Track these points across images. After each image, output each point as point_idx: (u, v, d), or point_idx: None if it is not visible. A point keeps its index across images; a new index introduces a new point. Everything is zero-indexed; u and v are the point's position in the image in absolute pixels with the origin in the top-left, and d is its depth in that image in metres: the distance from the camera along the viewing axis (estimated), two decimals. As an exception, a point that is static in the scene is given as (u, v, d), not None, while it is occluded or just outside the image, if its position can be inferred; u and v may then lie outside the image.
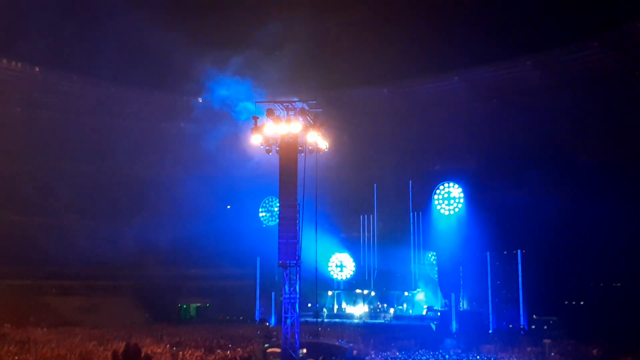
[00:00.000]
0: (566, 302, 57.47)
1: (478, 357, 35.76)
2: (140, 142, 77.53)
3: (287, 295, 32.82)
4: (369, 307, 68.84)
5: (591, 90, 63.41)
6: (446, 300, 61.98)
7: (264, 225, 77.96)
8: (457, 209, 66.44)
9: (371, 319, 65.19)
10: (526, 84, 67.82)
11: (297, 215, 32.69)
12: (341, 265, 71.72)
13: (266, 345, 38.73)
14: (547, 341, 41.02)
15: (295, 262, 32.35)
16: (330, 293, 70.83)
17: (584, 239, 55.92)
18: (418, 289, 69.39)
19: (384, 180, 72.38)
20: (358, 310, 68.19)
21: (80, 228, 72.63)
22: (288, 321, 32.43)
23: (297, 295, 32.82)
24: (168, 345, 39.83)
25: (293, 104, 33.54)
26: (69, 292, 66.67)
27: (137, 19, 66.42)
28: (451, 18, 71.47)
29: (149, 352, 33.69)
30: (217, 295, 70.32)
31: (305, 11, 66.03)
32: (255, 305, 68.16)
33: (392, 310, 67.48)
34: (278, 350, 33.75)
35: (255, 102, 36.15)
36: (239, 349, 38.69)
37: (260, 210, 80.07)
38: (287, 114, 33.26)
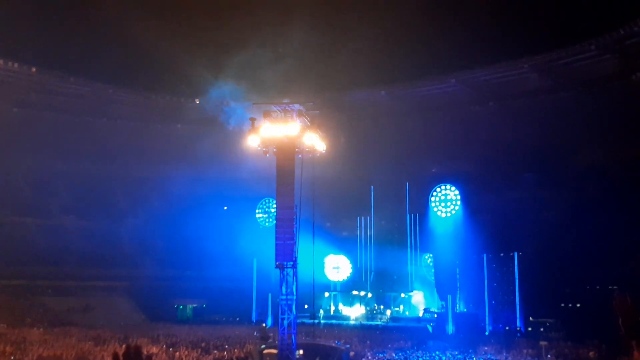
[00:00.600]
0: (562, 305, 57.58)
1: (474, 357, 35.78)
2: (137, 143, 77.43)
3: (284, 297, 32.81)
4: (365, 309, 68.83)
5: (588, 93, 63.52)
6: (443, 302, 62.05)
7: (261, 227, 77.93)
8: (454, 211, 66.52)
9: (368, 320, 65.19)
10: (524, 86, 67.91)
11: (294, 217, 32.70)
12: (338, 266, 71.71)
13: (263, 346, 38.71)
14: (543, 343, 41.07)
15: (292, 263, 32.36)
16: (327, 294, 70.83)
17: (581, 241, 56.04)
18: (414, 291, 69.42)
19: (381, 182, 72.41)
20: (355, 312, 68.19)
21: (76, 228, 72.56)
22: (285, 322, 32.42)
23: (294, 297, 32.81)
24: (164, 346, 39.81)
25: (290, 105, 33.56)
26: (65, 292, 66.55)
27: (134, 20, 66.40)
28: (449, 20, 71.49)
29: (146, 351, 33.70)
30: (214, 296, 70.30)
31: (302, 13, 66.06)
32: (251, 306, 68.19)
33: (388, 312, 67.49)
34: (275, 351, 33.72)
35: (252, 104, 36.22)
36: (235, 350, 38.68)
37: (257, 211, 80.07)
38: (284, 116, 33.27)
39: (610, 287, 55.37)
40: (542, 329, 53.69)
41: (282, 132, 32.93)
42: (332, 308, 70.21)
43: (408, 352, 39.78)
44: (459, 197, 66.60)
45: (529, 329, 56.35)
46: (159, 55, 68.61)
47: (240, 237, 72.24)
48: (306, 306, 53.52)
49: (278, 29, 68.79)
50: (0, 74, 67.53)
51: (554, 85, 66.76)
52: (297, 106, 33.55)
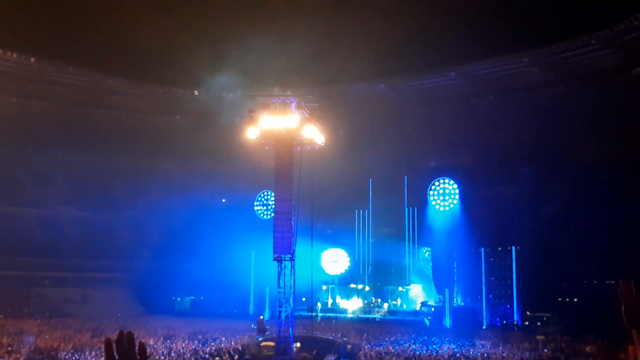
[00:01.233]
0: (560, 299, 57.66)
1: (471, 351, 35.83)
2: (135, 135, 77.31)
3: (282, 289, 32.85)
4: (363, 302, 68.85)
5: (588, 87, 63.47)
6: (440, 296, 62.12)
7: (259, 219, 77.84)
8: (452, 205, 66.51)
9: (365, 313, 65.20)
10: (523, 80, 67.84)
11: (292, 210, 32.68)
12: (336, 259, 71.71)
13: (260, 338, 38.75)
14: (540, 337, 41.13)
15: (290, 256, 32.37)
16: (324, 287, 70.84)
17: (579, 235, 56.10)
18: (412, 284, 69.45)
19: (380, 176, 72.35)
20: (352, 305, 68.20)
21: (74, 219, 72.53)
22: (282, 315, 32.47)
23: (292, 290, 32.85)
24: (161, 338, 39.83)
25: (289, 98, 33.49)
26: (62, 283, 66.60)
27: (134, 11, 66.20)
28: (449, 13, 71.35)
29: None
30: (211, 289, 70.33)
31: (303, 7, 65.95)
32: (249, 299, 68.23)
33: (386, 305, 67.54)
34: (272, 344, 33.78)
35: (252, 96, 36.17)
36: (232, 342, 38.69)
37: (255, 203, 80.00)
38: (284, 108, 33.19)
39: (607, 281, 55.47)
40: (539, 323, 53.78)
41: (281, 124, 32.88)
42: (330, 301, 70.20)
43: (405, 345, 39.80)
44: (457, 190, 66.59)
45: (526, 323, 56.46)
46: (158, 46, 68.48)
47: (238, 230, 72.23)
48: (304, 299, 53.56)
49: (278, 21, 68.70)
50: (-2, 64, 67.43)
51: (553, 79, 66.69)
52: (296, 98, 33.48)
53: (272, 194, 53.96)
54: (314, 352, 33.71)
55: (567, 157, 63.21)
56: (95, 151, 75.85)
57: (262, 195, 79.05)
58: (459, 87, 71.08)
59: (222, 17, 71.50)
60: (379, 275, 70.73)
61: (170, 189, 74.61)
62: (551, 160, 63.94)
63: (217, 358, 31.70)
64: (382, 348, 37.14)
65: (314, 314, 52.64)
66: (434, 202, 67.05)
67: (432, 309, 61.73)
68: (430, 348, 38.28)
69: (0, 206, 67.63)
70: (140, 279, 69.20)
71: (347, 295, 70.10)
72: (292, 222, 32.61)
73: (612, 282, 55.65)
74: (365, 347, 37.54)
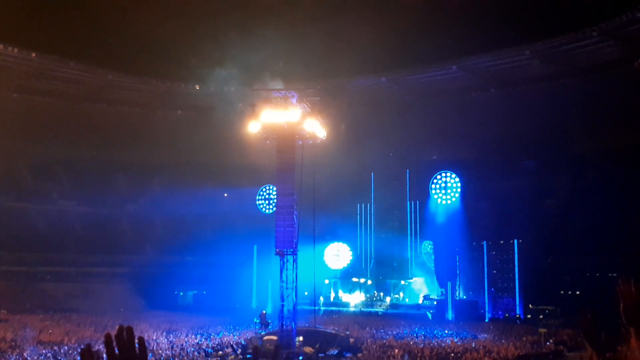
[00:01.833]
0: (562, 292, 57.70)
1: (474, 344, 35.85)
2: (137, 129, 77.26)
3: (284, 284, 32.88)
4: (365, 296, 68.92)
5: (590, 80, 63.36)
6: (442, 289, 62.15)
7: (261, 213, 77.84)
8: (454, 199, 66.48)
9: (367, 307, 65.28)
10: (525, 73, 67.74)
11: (294, 204, 32.68)
12: (338, 253, 71.72)
13: (263, 332, 38.81)
14: (542, 330, 41.14)
15: (292, 250, 32.38)
16: (326, 281, 70.88)
17: (581, 228, 56.09)
18: (414, 278, 69.49)
19: (382, 169, 72.32)
20: (354, 299, 68.27)
21: (76, 214, 72.63)
22: (285, 309, 32.51)
23: (294, 283, 32.88)
24: (165, 332, 39.91)
25: (291, 92, 33.45)
26: (65, 278, 66.66)
27: (135, 5, 66.15)
28: (450, 6, 71.28)
29: (146, 337, 33.80)
30: (214, 283, 70.40)
31: (303, 0, 65.85)
32: (252, 293, 68.30)
33: (388, 299, 67.60)
34: (275, 337, 33.81)
35: (253, 90, 36.13)
36: (235, 336, 38.77)
37: (258, 198, 80.00)
38: (285, 102, 33.15)
39: (609, 274, 55.48)
40: (541, 316, 53.84)
41: (283, 118, 32.84)
42: (332, 295, 70.29)
43: (408, 338, 39.86)
44: (459, 184, 66.54)
45: (529, 316, 56.51)
46: (159, 40, 68.51)
47: (241, 224, 72.28)
48: (306, 293, 53.64)
49: (280, 15, 68.61)
50: (-1, 59, 67.39)
51: (555, 72, 66.58)
52: (297, 92, 33.43)
53: (274, 189, 53.99)
54: (317, 346, 33.75)
55: (569, 150, 63.17)
56: (97, 146, 75.81)
57: (264, 189, 79.03)
58: (460, 81, 70.97)
59: (223, 12, 71.42)
60: (381, 269, 70.74)
61: (172, 184, 74.60)
62: (553, 153, 63.87)
63: (220, 352, 31.77)
64: (384, 341, 37.20)
65: (316, 307, 52.70)
66: (436, 196, 67.02)
67: (435, 303, 61.79)
68: (432, 340, 38.35)
69: (2, 201, 67.67)
70: (143, 273, 69.25)
71: (350, 289, 70.16)
72: (294, 217, 32.61)
73: (615, 275, 55.67)
74: (368, 340, 37.61)
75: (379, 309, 63.88)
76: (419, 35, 68.84)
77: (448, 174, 67.20)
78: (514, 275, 59.42)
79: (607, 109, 61.42)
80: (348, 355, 32.15)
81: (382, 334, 41.96)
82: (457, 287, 62.32)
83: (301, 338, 33.73)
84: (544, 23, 68.21)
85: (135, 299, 66.37)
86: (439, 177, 67.85)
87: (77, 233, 70.29)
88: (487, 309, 59.28)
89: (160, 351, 30.33)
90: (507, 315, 58.15)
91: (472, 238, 62.32)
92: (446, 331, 45.22)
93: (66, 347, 31.33)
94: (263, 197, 79.53)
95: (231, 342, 35.16)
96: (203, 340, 36.64)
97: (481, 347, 34.32)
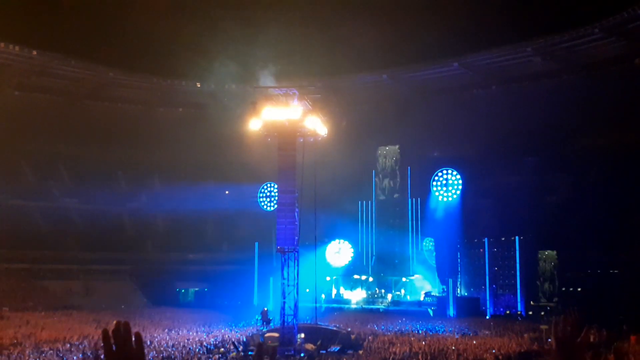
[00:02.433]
0: (563, 289, 57.70)
1: (475, 342, 35.85)
2: (138, 127, 77.27)
3: (286, 281, 32.91)
4: (366, 293, 68.96)
5: (592, 76, 63.31)
6: (444, 286, 62.17)
7: (263, 211, 77.84)
8: (455, 196, 66.45)
9: (369, 304, 65.33)
10: (527, 70, 67.71)
11: (296, 201, 32.70)
12: (339, 251, 71.72)
13: (264, 329, 38.85)
14: (544, 327, 41.14)
15: (293, 247, 32.40)
16: (328, 278, 70.92)
17: (582, 225, 56.01)
18: (416, 275, 69.53)
19: (383, 166, 72.30)
20: (356, 296, 68.31)
21: (78, 212, 72.69)
22: (286, 306, 32.55)
23: (295, 281, 32.91)
24: (166, 329, 39.95)
25: (292, 89, 33.44)
26: (67, 276, 66.75)
27: (136, 3, 66.14)
28: (451, 3, 71.12)
29: (148, 334, 33.83)
30: (215, 280, 70.50)
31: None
32: (253, 290, 68.36)
33: (389, 296, 67.63)
34: (276, 334, 33.86)
35: (254, 87, 36.14)
36: (236, 333, 38.80)
37: (259, 195, 80.00)
38: (286, 100, 33.15)
39: (611, 271, 55.55)
40: (542, 313, 53.87)
41: (284, 116, 32.84)
42: (334, 292, 70.33)
43: (409, 334, 39.88)
44: (460, 181, 66.50)
45: (530, 313, 56.52)
46: (160, 38, 68.42)
47: (242, 221, 72.32)
48: (307, 290, 53.69)
49: (281, 13, 68.56)
50: (1, 57, 67.37)
51: (557, 68, 66.55)
52: (298, 90, 33.42)
53: (276, 186, 53.99)
54: (318, 343, 33.78)
55: (571, 147, 63.08)
56: (98, 144, 75.84)
57: (265, 187, 79.03)
58: (462, 78, 70.92)
59: (224, 9, 71.33)
60: (383, 266, 70.75)
61: (174, 181, 74.60)
62: (554, 149, 63.80)
63: (222, 349, 31.81)
64: (386, 337, 37.22)
65: (317, 304, 52.78)
66: (437, 193, 66.99)
67: (436, 299, 61.83)
68: (432, 335, 38.38)
69: (3, 199, 67.74)
70: (144, 270, 69.40)
71: (351, 286, 70.20)
72: (296, 214, 32.62)
73: (616, 271, 55.81)
74: (369, 337, 37.64)
75: (381, 306, 63.93)
76: (420, 32, 68.77)
77: (449, 171, 67.16)
78: (516, 272, 59.41)
79: (609, 105, 61.33)
80: (349, 352, 32.16)
81: (383, 331, 42.00)
82: (458, 284, 62.33)
83: (303, 335, 33.77)
84: (546, 20, 68.11)
85: (136, 296, 66.50)
86: (440, 174, 67.80)
87: (78, 230, 70.34)
88: (488, 306, 59.31)
89: (161, 348, 30.36)
90: (508, 312, 58.17)
91: (474, 235, 62.33)
92: (447, 328, 45.24)
93: (67, 344, 31.34)
94: (264, 195, 79.51)
95: (232, 339, 35.19)
96: (205, 337, 36.68)
97: (474, 342, 34.34)
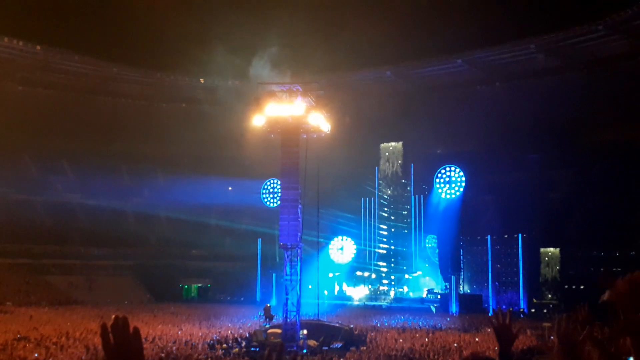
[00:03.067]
0: (566, 286, 57.65)
1: (477, 339, 35.85)
2: (142, 122, 77.37)
3: (288, 277, 32.93)
4: (369, 290, 69.03)
5: (596, 73, 63.16)
6: (446, 283, 62.17)
7: (266, 207, 77.88)
8: (458, 192, 66.41)
9: (371, 301, 65.40)
10: (530, 66, 67.60)
11: (299, 197, 32.70)
12: (342, 247, 71.77)
13: (267, 325, 38.89)
14: (546, 324, 41.09)
15: (296, 243, 32.41)
16: (330, 275, 71.01)
17: (585, 222, 55.95)
18: (418, 272, 69.60)
19: (386, 163, 72.30)
20: (358, 293, 68.39)
21: (81, 207, 72.79)
22: (289, 302, 32.57)
23: (298, 277, 32.93)
24: (169, 325, 40.00)
25: (295, 85, 33.41)
26: (70, 271, 66.87)
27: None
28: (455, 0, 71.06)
29: (150, 329, 33.89)
30: (218, 276, 70.61)
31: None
32: (256, 286, 68.45)
33: (392, 293, 67.68)
34: (279, 331, 33.90)
35: (257, 83, 36.09)
36: (239, 329, 38.84)
37: (262, 191, 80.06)
38: (289, 96, 33.11)
39: (614, 268, 55.40)
40: (545, 310, 53.83)
41: (287, 112, 32.80)
42: (336, 289, 70.41)
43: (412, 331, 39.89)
44: (463, 178, 66.47)
45: (533, 310, 56.49)
46: (164, 34, 68.43)
47: (245, 217, 72.38)
48: (310, 286, 53.75)
49: (285, 8, 68.47)
50: (5, 52, 67.47)
51: (560, 65, 66.42)
52: (301, 86, 33.39)
53: (279, 182, 54.00)
54: (321, 339, 33.81)
55: (574, 144, 63.00)
56: (101, 138, 75.96)
57: (268, 183, 79.09)
58: (465, 74, 70.85)
59: (227, 5, 71.30)
60: (385, 262, 70.84)
61: (177, 177, 74.68)
62: (558, 146, 63.67)
63: (225, 345, 31.85)
64: (389, 334, 37.24)
65: (320, 301, 52.86)
66: (440, 190, 66.97)
67: (438, 296, 61.84)
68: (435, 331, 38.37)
69: (7, 194, 67.87)
70: (147, 266, 69.51)
71: (354, 282, 70.27)
72: (298, 210, 32.63)
73: (620, 269, 55.66)
74: (372, 333, 37.65)
75: (383, 303, 64.00)
76: (424, 29, 68.67)
77: (452, 168, 67.13)
78: (518, 269, 59.37)
79: (612, 103, 61.23)
80: (352, 348, 32.17)
81: (386, 327, 42.01)
82: (460, 281, 62.32)
83: (305, 331, 33.78)
84: (550, 16, 68.01)
85: (139, 291, 66.62)
86: (443, 170, 67.77)
87: (81, 226, 70.46)
88: (490, 303, 59.27)
89: (163, 344, 30.42)
90: (511, 309, 58.05)
91: (476, 232, 62.27)
92: (450, 324, 45.25)
93: (70, 340, 31.39)
94: (267, 191, 79.58)
95: (235, 335, 35.23)
96: (207, 332, 36.72)
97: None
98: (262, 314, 44.67)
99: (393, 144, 72.37)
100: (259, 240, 68.37)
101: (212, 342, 32.52)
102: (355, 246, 71.97)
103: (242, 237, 69.94)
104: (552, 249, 60.15)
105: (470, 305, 57.84)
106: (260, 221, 67.85)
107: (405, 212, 71.61)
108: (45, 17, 70.51)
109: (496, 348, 3.82)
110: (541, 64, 66.83)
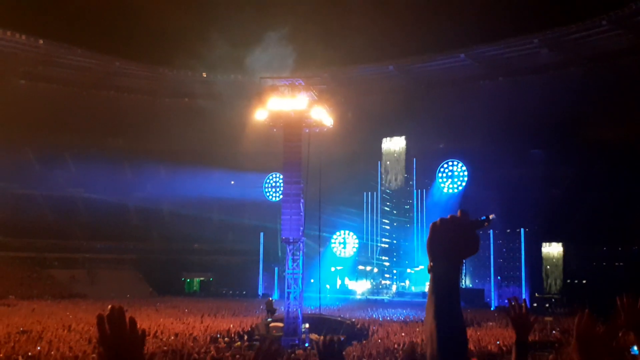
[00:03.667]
0: (568, 281, 57.67)
1: (479, 333, 35.89)
2: (145, 117, 77.40)
3: (290, 271, 32.96)
4: (371, 284, 69.09)
5: (599, 68, 63.02)
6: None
7: (268, 201, 77.94)
8: (460, 187, 66.39)
9: (373, 295, 65.45)
10: (533, 62, 67.48)
11: (301, 192, 32.69)
12: (344, 241, 71.82)
13: (269, 319, 38.95)
14: (548, 319, 41.14)
15: (298, 237, 32.42)
16: (333, 269, 71.08)
17: (588, 217, 55.94)
18: (420, 266, 69.62)
19: (388, 158, 72.26)
20: (360, 287, 68.46)
21: (83, 201, 72.90)
22: (291, 296, 32.61)
23: (300, 271, 32.96)
24: (171, 318, 40.07)
25: (297, 80, 33.37)
26: (72, 265, 67.01)
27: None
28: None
29: (152, 322, 33.97)
30: (221, 270, 70.69)
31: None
32: (258, 280, 68.53)
33: (394, 287, 67.71)
34: (281, 324, 33.94)
35: (260, 78, 36.07)
36: (241, 323, 38.91)
37: (264, 185, 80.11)
38: (292, 91, 33.07)
39: (616, 263, 55.45)
40: (547, 305, 53.86)
41: (290, 106, 32.76)
42: (339, 283, 70.48)
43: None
44: (465, 172, 66.42)
45: (535, 304, 56.50)
46: (167, 28, 68.42)
47: (248, 211, 72.41)
48: (312, 280, 53.80)
49: (288, 4, 68.38)
50: (7, 46, 67.45)
51: (564, 60, 66.30)
52: (304, 81, 33.36)
53: (281, 176, 54.02)
54: (323, 333, 33.87)
55: (577, 139, 62.91)
56: (104, 133, 76.05)
57: (271, 177, 79.14)
58: (468, 69, 70.75)
59: (230, 0, 71.24)
60: (387, 257, 70.88)
61: (179, 171, 74.72)
62: (560, 142, 63.63)
63: (227, 338, 31.91)
64: (390, 328, 37.28)
65: (322, 295, 52.91)
66: (442, 184, 66.92)
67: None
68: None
69: (10, 188, 68.00)
70: (150, 260, 69.61)
71: (356, 277, 70.32)
72: (301, 204, 32.63)
73: (621, 264, 55.71)
74: (374, 327, 37.70)
75: (385, 297, 64.04)
76: (427, 24, 68.65)
77: (455, 163, 67.05)
78: (521, 264, 59.39)
79: (615, 98, 61.11)
80: (354, 342, 32.22)
81: (388, 321, 42.05)
82: (463, 276, 62.36)
83: (307, 325, 33.84)
84: (553, 11, 67.86)
85: (142, 285, 66.72)
86: (445, 165, 67.71)
87: (84, 220, 70.58)
88: (492, 298, 59.31)
89: (165, 338, 30.49)
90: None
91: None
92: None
93: (73, 333, 31.47)
94: (270, 185, 79.62)
95: (237, 329, 35.30)
96: (209, 326, 36.78)
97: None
98: (264, 308, 44.74)
99: (395, 138, 72.30)
100: (261, 234, 68.41)
101: (214, 335, 32.58)
102: (357, 240, 72.02)
103: (244, 231, 69.98)
104: (554, 244, 60.11)
105: (472, 299, 57.88)
106: (262, 215, 67.89)
107: (408, 207, 71.61)
108: (47, 11, 70.58)
109: (497, 342, 3.88)
110: (544, 59, 66.72)
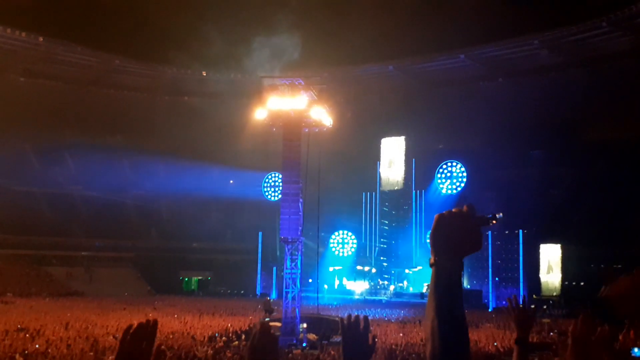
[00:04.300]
0: (566, 282, 57.67)
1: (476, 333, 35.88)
2: (144, 114, 77.34)
3: (289, 270, 32.93)
4: (369, 284, 69.06)
5: (599, 70, 63.03)
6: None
7: (267, 201, 77.90)
8: (459, 188, 66.37)
9: (371, 295, 65.43)
10: (533, 63, 67.48)
11: (300, 191, 32.66)
12: (342, 241, 71.77)
13: (267, 319, 38.92)
14: (546, 321, 41.14)
15: (297, 237, 32.39)
16: (331, 269, 71.05)
17: (587, 219, 55.94)
18: (418, 267, 69.61)
19: (387, 158, 72.22)
20: (358, 287, 68.43)
21: (82, 199, 72.83)
22: (289, 296, 32.58)
23: (299, 271, 32.93)
24: (169, 317, 40.03)
25: (297, 79, 33.32)
26: (71, 262, 66.97)
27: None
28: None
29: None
30: (219, 269, 70.68)
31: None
32: (256, 279, 68.51)
33: (392, 287, 67.69)
34: (278, 324, 33.91)
35: (260, 77, 36.04)
36: (239, 322, 38.90)
37: (263, 185, 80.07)
38: (292, 90, 33.03)
39: (614, 265, 55.37)
40: (545, 307, 53.85)
41: (289, 105, 32.71)
42: (337, 283, 70.45)
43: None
44: (465, 173, 66.42)
45: (532, 306, 56.37)
46: (167, 26, 68.34)
47: (246, 211, 72.38)
48: (310, 280, 53.78)
49: (287, 3, 68.28)
50: (7, 43, 67.38)
51: (564, 61, 66.30)
52: (304, 80, 33.32)
53: (280, 176, 54.00)
54: (321, 333, 33.86)
55: (576, 140, 62.94)
56: (103, 131, 75.93)
57: (269, 176, 79.09)
58: (468, 69, 70.73)
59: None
60: (386, 257, 70.85)
61: (178, 170, 74.66)
62: (560, 143, 63.64)
63: (224, 338, 31.88)
64: (388, 328, 37.28)
65: (320, 295, 52.91)
66: (441, 185, 66.91)
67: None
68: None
69: (9, 185, 67.89)
70: (148, 258, 69.58)
71: (354, 277, 70.28)
72: (300, 204, 32.59)
73: (620, 266, 55.65)
74: (372, 327, 37.73)
75: (383, 297, 64.02)
76: (427, 24, 68.55)
77: (454, 163, 67.04)
78: (519, 265, 59.38)
79: (615, 99, 61.12)
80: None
81: (386, 321, 42.06)
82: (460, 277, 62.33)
83: (305, 325, 33.81)
84: (553, 12, 67.80)
85: (140, 283, 66.71)
86: (444, 166, 67.69)
87: (82, 217, 70.51)
88: (490, 299, 59.31)
89: (163, 335, 30.46)
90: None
91: (477, 227, 62.22)
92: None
93: (72, 331, 31.45)
94: (269, 185, 79.58)
95: (235, 328, 35.27)
96: (207, 325, 36.76)
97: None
98: (261, 307, 44.71)
99: (395, 138, 72.26)
100: (260, 233, 68.38)
101: (212, 334, 32.56)
102: (355, 241, 71.99)
103: (243, 231, 69.96)
104: (552, 245, 60.11)
105: (470, 300, 57.89)
106: (261, 214, 67.87)
107: (406, 207, 71.58)
108: (47, 8, 70.44)
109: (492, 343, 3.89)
110: (544, 60, 66.72)
